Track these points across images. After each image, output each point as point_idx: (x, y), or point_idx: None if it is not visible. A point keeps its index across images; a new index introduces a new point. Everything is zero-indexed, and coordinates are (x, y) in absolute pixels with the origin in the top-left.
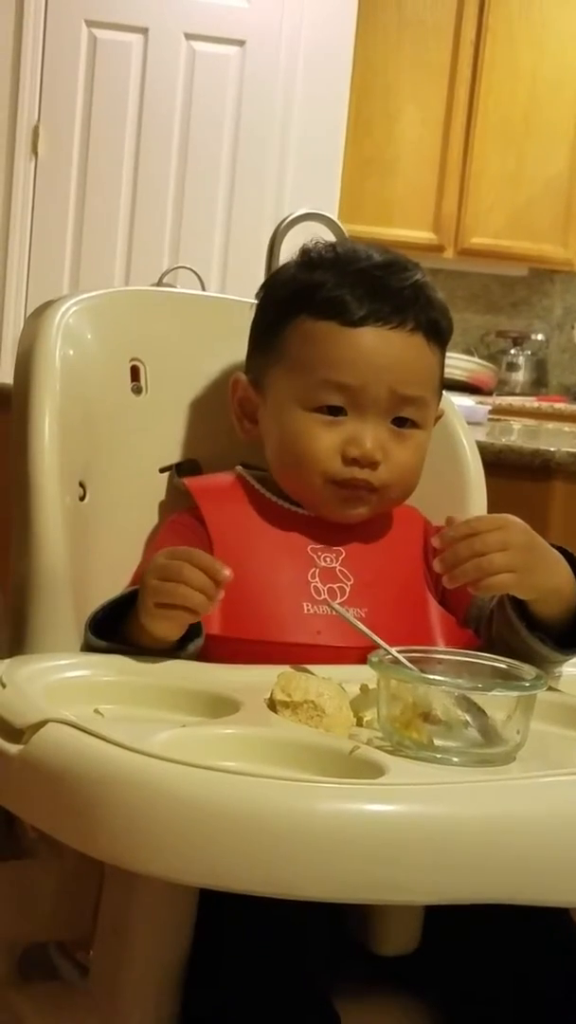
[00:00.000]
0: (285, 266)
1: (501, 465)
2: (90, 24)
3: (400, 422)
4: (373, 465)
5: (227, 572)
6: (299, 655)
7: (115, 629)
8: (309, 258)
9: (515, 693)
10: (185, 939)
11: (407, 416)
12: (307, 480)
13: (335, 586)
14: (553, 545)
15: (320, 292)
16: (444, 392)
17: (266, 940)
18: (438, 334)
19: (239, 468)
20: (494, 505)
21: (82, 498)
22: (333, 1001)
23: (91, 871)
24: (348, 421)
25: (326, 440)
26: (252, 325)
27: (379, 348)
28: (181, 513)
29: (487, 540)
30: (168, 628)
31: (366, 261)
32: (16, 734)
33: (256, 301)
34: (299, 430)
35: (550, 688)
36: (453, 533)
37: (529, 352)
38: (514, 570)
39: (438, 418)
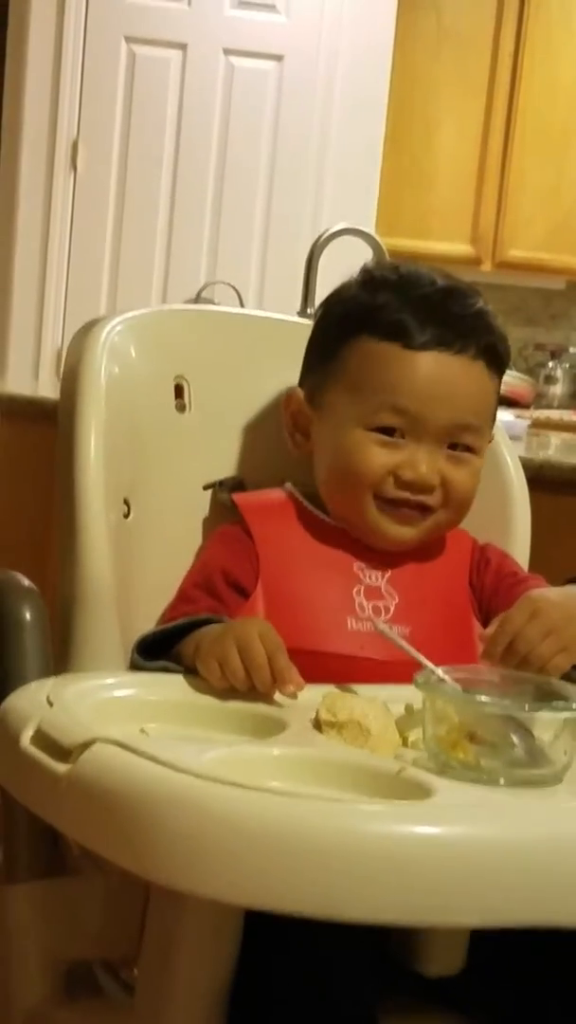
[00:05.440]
0: (346, 285)
1: (541, 480)
2: (129, 40)
3: (455, 447)
4: (428, 490)
5: (292, 688)
6: (343, 667)
7: (163, 648)
8: (372, 278)
9: (563, 714)
10: (230, 959)
11: (463, 442)
12: (356, 497)
13: (380, 604)
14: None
15: (383, 314)
16: None
17: (311, 961)
18: (498, 361)
19: (288, 485)
20: (535, 521)
21: (126, 515)
22: (378, 1022)
23: (136, 888)
24: (405, 444)
25: (380, 459)
26: (310, 341)
27: (441, 375)
28: (231, 524)
29: (528, 636)
30: (211, 679)
31: (429, 286)
32: (64, 753)
33: (314, 319)
34: (354, 447)
35: None
36: (496, 648)
37: (567, 365)
38: (564, 648)
39: (488, 442)
